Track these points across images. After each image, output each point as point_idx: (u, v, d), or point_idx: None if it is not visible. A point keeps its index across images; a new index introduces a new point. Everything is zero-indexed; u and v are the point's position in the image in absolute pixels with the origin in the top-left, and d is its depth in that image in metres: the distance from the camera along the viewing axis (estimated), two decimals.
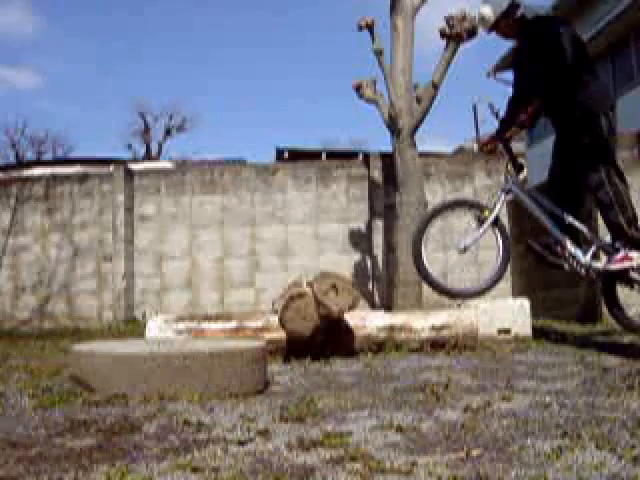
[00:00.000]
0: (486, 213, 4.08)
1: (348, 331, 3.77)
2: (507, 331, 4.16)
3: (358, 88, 7.52)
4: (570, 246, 3.96)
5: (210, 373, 2.45)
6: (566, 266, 4.00)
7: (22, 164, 17.89)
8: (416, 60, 6.97)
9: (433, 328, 3.87)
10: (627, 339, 4.18)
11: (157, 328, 3.81)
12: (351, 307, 3.56)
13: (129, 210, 8.91)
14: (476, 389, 2.53)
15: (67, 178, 9.33)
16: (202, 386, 2.42)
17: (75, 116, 52.32)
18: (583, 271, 3.96)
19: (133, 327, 7.63)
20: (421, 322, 3.91)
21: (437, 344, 3.83)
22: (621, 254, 3.81)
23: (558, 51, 3.73)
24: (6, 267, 9.12)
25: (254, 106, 58.74)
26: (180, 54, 56.07)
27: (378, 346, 3.82)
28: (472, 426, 1.86)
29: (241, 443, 1.74)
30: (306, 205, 8.81)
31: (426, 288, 7.11)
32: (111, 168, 9.30)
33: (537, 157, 16.44)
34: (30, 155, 30.66)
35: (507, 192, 4.15)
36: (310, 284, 3.58)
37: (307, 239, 8.76)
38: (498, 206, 4.12)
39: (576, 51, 3.78)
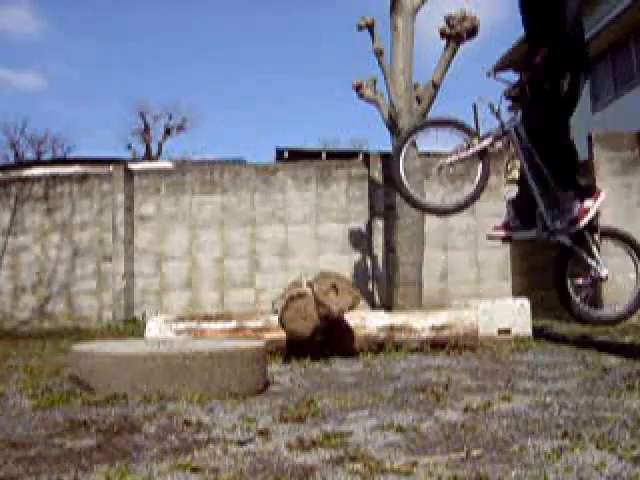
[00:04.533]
0: (475, 140, 4.05)
1: (348, 331, 3.77)
2: (507, 331, 4.16)
3: (358, 88, 7.52)
4: (541, 204, 3.97)
5: (210, 373, 2.45)
6: (534, 233, 3.99)
7: (22, 164, 17.89)
8: (416, 60, 6.98)
9: (433, 328, 3.87)
10: (627, 339, 4.18)
11: (157, 328, 3.81)
12: (351, 307, 3.56)
13: (129, 210, 8.91)
14: (476, 389, 2.52)
15: (67, 178, 9.32)
16: (202, 386, 2.42)
17: (75, 116, 52.33)
18: (547, 234, 3.97)
19: (133, 327, 7.63)
20: (421, 322, 3.90)
21: (437, 344, 3.83)
22: (577, 208, 3.85)
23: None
24: (6, 267, 9.12)
25: (254, 106, 58.70)
26: (180, 54, 56.05)
27: (378, 346, 3.81)
28: (472, 426, 1.86)
29: (241, 443, 1.74)
30: (306, 205, 8.81)
31: (426, 288, 7.13)
32: (111, 168, 9.30)
33: None
34: (30, 155, 30.65)
35: (504, 132, 4.12)
36: (310, 284, 3.58)
37: (307, 239, 8.75)
38: (489, 139, 4.09)
39: None
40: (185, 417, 2.05)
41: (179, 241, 8.88)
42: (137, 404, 2.30)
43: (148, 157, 28.32)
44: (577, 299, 4.11)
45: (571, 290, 4.13)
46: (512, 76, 18.39)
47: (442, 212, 4.44)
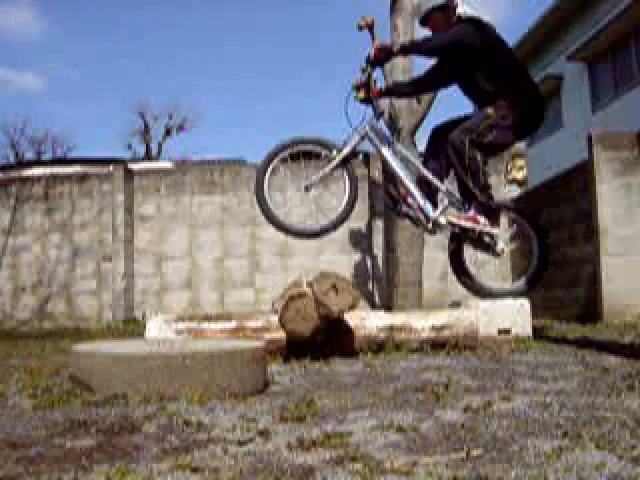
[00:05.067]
0: (334, 153, 4.13)
1: (348, 331, 3.77)
2: (507, 331, 4.15)
3: (358, 88, 7.51)
4: (420, 199, 4.16)
5: (210, 373, 2.45)
6: (417, 216, 4.20)
7: (22, 164, 17.89)
8: (416, 60, 6.97)
9: (433, 328, 3.87)
10: (627, 339, 4.18)
11: (157, 328, 3.81)
12: (351, 307, 3.55)
13: (129, 210, 8.91)
14: (476, 389, 2.52)
15: (67, 178, 9.33)
16: (202, 386, 2.42)
17: (75, 116, 52.35)
18: (430, 226, 4.16)
19: (133, 327, 7.63)
20: (421, 322, 3.90)
21: (437, 344, 3.83)
22: (471, 213, 4.07)
23: (508, 49, 4.15)
24: (6, 267, 9.13)
25: (254, 106, 58.76)
26: (180, 54, 56.08)
27: (378, 346, 3.81)
28: (472, 426, 1.86)
29: (241, 443, 1.74)
30: (306, 205, 8.81)
31: (426, 288, 7.12)
32: (111, 168, 9.30)
33: (537, 157, 16.44)
34: (30, 155, 30.67)
35: (362, 137, 4.19)
36: (310, 284, 3.58)
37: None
38: (347, 148, 4.18)
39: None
40: (185, 417, 2.05)
41: (179, 241, 8.88)
42: (137, 404, 2.30)
43: (148, 157, 28.33)
44: (478, 277, 4.43)
45: (470, 267, 4.41)
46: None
47: (309, 235, 4.44)
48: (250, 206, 8.87)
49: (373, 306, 8.25)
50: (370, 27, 7.16)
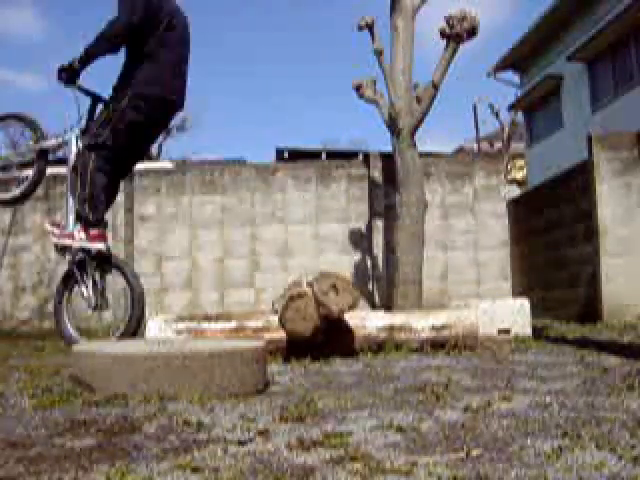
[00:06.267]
0: (35, 137, 3.96)
1: (348, 331, 3.77)
2: (507, 331, 4.17)
3: (358, 88, 7.52)
4: (70, 222, 3.87)
5: (210, 373, 2.45)
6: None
7: (22, 164, 17.86)
8: (416, 60, 6.98)
9: (433, 328, 3.87)
10: (627, 339, 4.19)
11: (157, 328, 3.81)
12: (351, 307, 3.56)
13: (129, 210, 8.91)
14: (476, 389, 2.53)
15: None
16: (202, 386, 2.42)
17: (75, 116, 52.33)
18: (58, 246, 3.87)
19: None
20: (421, 322, 3.90)
21: (437, 344, 3.83)
22: (70, 230, 3.80)
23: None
24: (6, 267, 9.12)
25: (254, 106, 58.76)
26: None
27: (378, 346, 3.82)
28: (472, 426, 1.86)
29: (241, 443, 1.74)
30: (306, 205, 8.82)
31: (426, 288, 7.12)
32: None
33: (537, 157, 16.44)
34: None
35: (76, 137, 3.93)
36: (310, 284, 3.58)
37: (307, 239, 8.75)
38: (52, 141, 3.98)
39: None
40: (185, 417, 2.05)
41: (179, 241, 8.88)
42: (137, 404, 2.30)
43: (148, 157, 28.31)
44: (67, 320, 4.13)
45: (65, 311, 4.12)
46: (512, 76, 18.43)
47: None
48: (250, 206, 8.88)
49: (373, 306, 8.25)
50: (370, 27, 7.19)
